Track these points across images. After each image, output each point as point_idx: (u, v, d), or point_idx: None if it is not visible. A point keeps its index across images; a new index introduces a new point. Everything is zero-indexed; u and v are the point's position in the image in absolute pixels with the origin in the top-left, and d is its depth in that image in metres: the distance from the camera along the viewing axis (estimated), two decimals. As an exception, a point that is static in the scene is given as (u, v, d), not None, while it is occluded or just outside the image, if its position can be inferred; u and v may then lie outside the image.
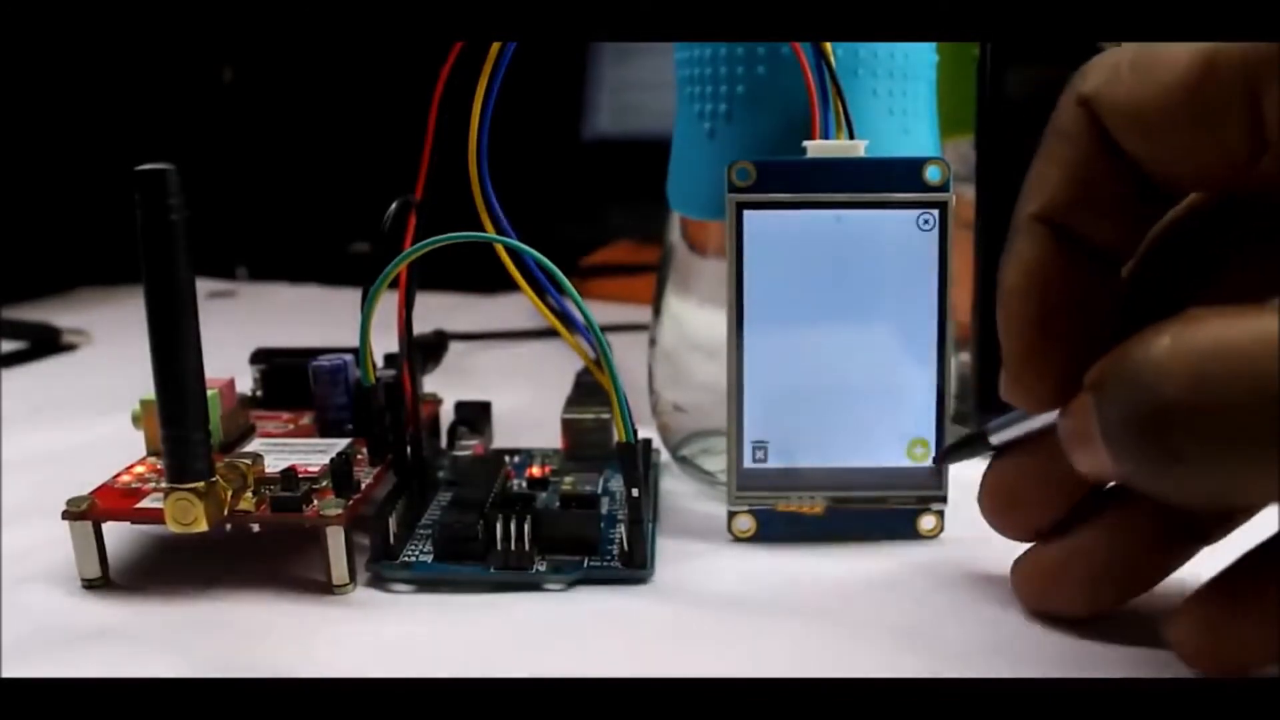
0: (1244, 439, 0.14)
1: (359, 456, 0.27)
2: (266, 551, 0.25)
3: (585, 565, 0.24)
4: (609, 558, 0.24)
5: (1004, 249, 0.19)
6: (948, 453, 0.24)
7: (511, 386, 0.41)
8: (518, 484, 0.29)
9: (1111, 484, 0.20)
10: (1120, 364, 0.15)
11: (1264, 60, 0.15)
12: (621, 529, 0.25)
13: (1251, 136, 0.16)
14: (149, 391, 0.23)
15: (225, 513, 0.23)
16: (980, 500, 0.22)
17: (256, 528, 0.24)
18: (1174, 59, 0.16)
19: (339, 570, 0.24)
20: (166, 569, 0.25)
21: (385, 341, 0.27)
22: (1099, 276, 0.18)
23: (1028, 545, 0.22)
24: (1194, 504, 0.16)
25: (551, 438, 0.32)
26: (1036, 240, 0.18)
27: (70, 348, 0.53)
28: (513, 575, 0.24)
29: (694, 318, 0.31)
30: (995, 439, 0.22)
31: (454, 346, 0.46)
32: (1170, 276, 0.19)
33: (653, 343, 0.32)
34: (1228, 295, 0.15)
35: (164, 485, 0.22)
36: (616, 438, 0.24)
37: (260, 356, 0.32)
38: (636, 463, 0.24)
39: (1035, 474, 0.21)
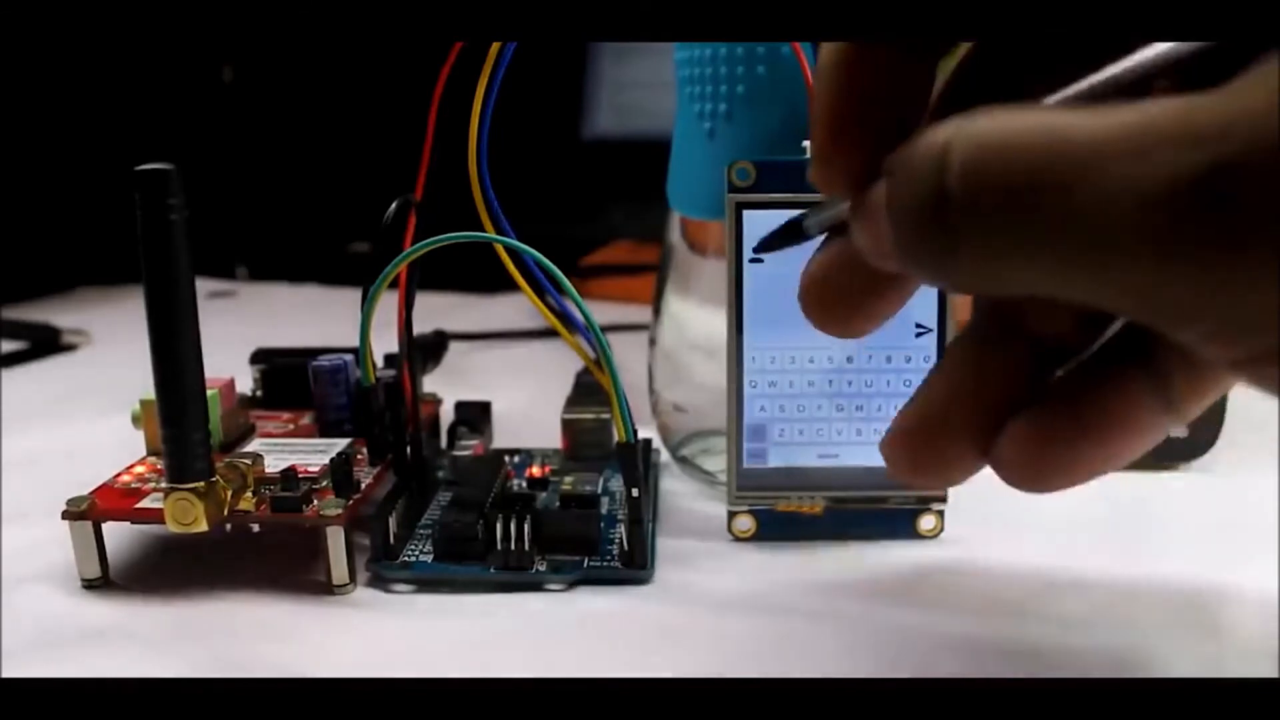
0: (1009, 229, 0.14)
1: (359, 456, 0.27)
2: (266, 551, 0.25)
3: (585, 565, 0.24)
4: (609, 558, 0.24)
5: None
6: (765, 242, 0.23)
7: (511, 386, 0.41)
8: (518, 484, 0.29)
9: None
10: (907, 151, 0.15)
11: None
12: (621, 529, 0.25)
13: None
14: (149, 391, 0.23)
15: (225, 513, 0.23)
16: (798, 292, 0.21)
17: (256, 528, 0.24)
18: None
19: (339, 570, 0.24)
20: (166, 569, 0.25)
21: (385, 341, 0.27)
22: (911, 67, 0.18)
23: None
24: (960, 290, 0.16)
25: (551, 438, 0.32)
26: None
27: (70, 348, 0.53)
28: (513, 575, 0.24)
29: (694, 318, 0.31)
30: (810, 224, 0.21)
31: (454, 346, 0.46)
32: (1001, 70, 0.19)
33: (653, 343, 0.32)
34: (1042, 94, 0.15)
35: (164, 485, 0.22)
36: (616, 438, 0.24)
37: (260, 356, 0.32)
38: (636, 463, 0.24)
39: (848, 262, 0.20)
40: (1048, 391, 0.19)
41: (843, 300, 0.20)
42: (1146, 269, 0.13)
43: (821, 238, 0.20)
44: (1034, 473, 0.19)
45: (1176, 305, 0.13)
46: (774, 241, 0.22)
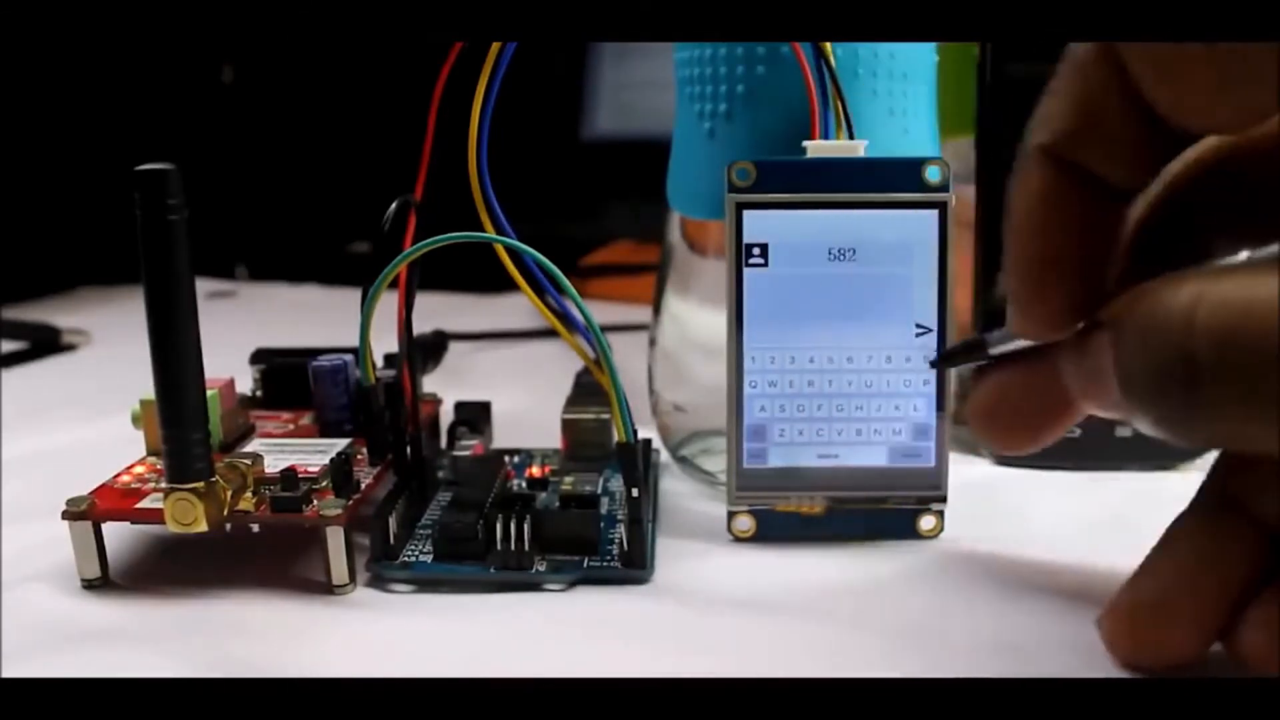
0: (1265, 399, 0.14)
1: (359, 456, 0.27)
2: (266, 551, 0.25)
3: (585, 565, 0.24)
4: (609, 558, 0.24)
5: (1013, 177, 0.19)
6: (947, 356, 0.24)
7: (511, 386, 0.41)
8: (518, 484, 0.29)
9: (1188, 512, 0.20)
10: (1145, 306, 0.16)
11: None
12: (621, 529, 0.25)
13: (1276, 87, 0.15)
14: (149, 391, 0.23)
15: (225, 513, 0.23)
16: (970, 408, 0.22)
17: (256, 528, 0.24)
18: None
19: (339, 570, 0.24)
20: (166, 569, 0.25)
21: (385, 341, 0.27)
22: (1106, 211, 0.18)
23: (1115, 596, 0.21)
24: (1207, 447, 0.16)
25: (551, 438, 0.32)
26: (1045, 172, 0.18)
27: (70, 348, 0.53)
28: (513, 575, 0.24)
29: (694, 318, 0.31)
30: (995, 349, 0.22)
31: (454, 346, 0.46)
32: (1190, 219, 0.19)
33: (653, 343, 0.32)
34: (1240, 243, 0.15)
35: (164, 485, 0.22)
36: (616, 438, 0.24)
37: (260, 356, 0.32)
38: (636, 463, 0.24)
39: (1027, 388, 0.21)
40: (1278, 573, 0.18)
41: (1018, 423, 0.21)
42: None
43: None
44: (1275, 659, 0.18)
45: None
46: (955, 359, 0.24)
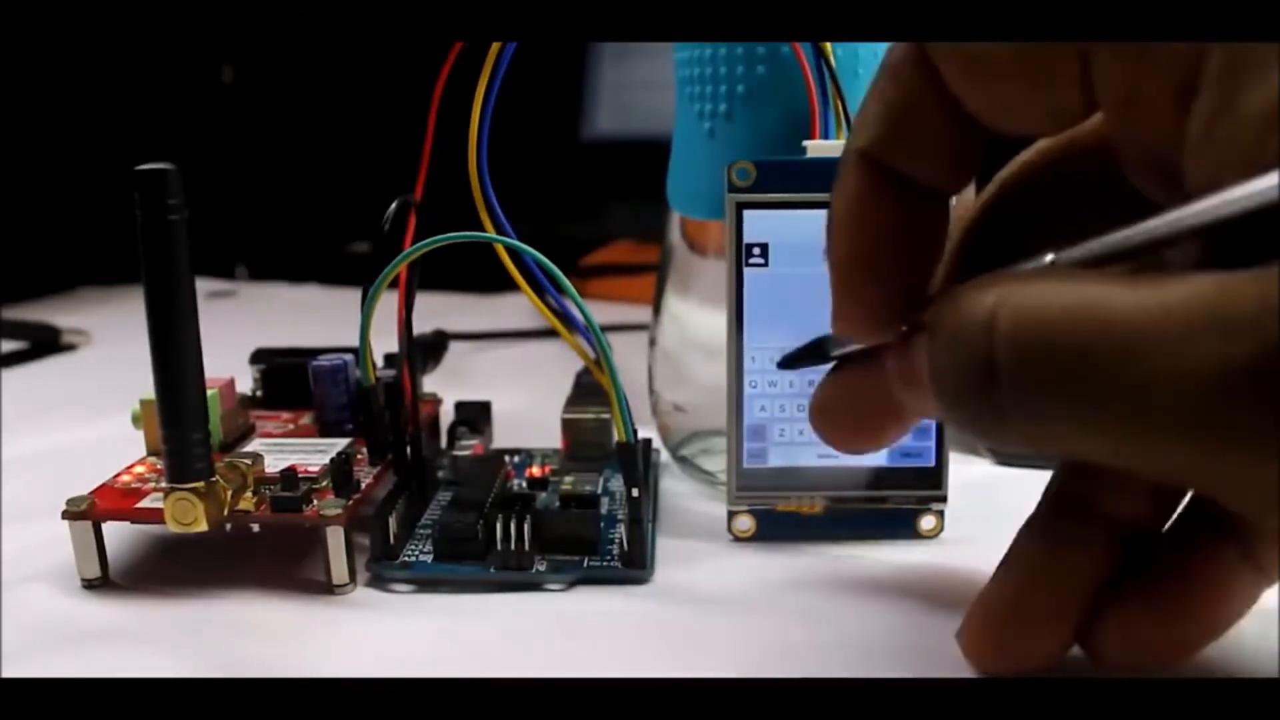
0: (1055, 400, 0.14)
1: (359, 456, 0.27)
2: (266, 551, 0.25)
3: (585, 565, 0.24)
4: (609, 558, 0.24)
5: (834, 180, 0.19)
6: (788, 360, 0.24)
7: (511, 386, 0.41)
8: (518, 484, 0.29)
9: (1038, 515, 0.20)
10: (949, 311, 0.16)
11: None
12: (621, 529, 0.25)
13: (1083, 94, 0.16)
14: (149, 391, 0.23)
15: (225, 513, 0.23)
16: (810, 407, 0.22)
17: (256, 528, 0.24)
18: None
19: (339, 570, 0.24)
20: (166, 569, 0.25)
21: (385, 341, 0.27)
22: (922, 213, 0.18)
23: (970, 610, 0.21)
24: (1003, 450, 0.16)
25: (551, 438, 0.32)
26: (859, 175, 0.18)
27: (70, 348, 0.53)
28: (513, 575, 0.24)
29: (694, 318, 0.31)
30: (835, 351, 0.22)
31: (454, 346, 0.46)
32: (1015, 220, 0.19)
33: (653, 343, 0.32)
34: (1060, 247, 0.15)
35: (164, 485, 0.22)
36: (616, 438, 0.24)
37: (260, 356, 0.32)
38: (636, 463, 0.24)
39: (862, 389, 0.21)
40: (1134, 573, 0.19)
41: (855, 423, 0.21)
42: (1199, 449, 0.13)
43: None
44: (1138, 660, 0.19)
45: (1231, 481, 0.13)
46: (797, 360, 0.23)
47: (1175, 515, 0.19)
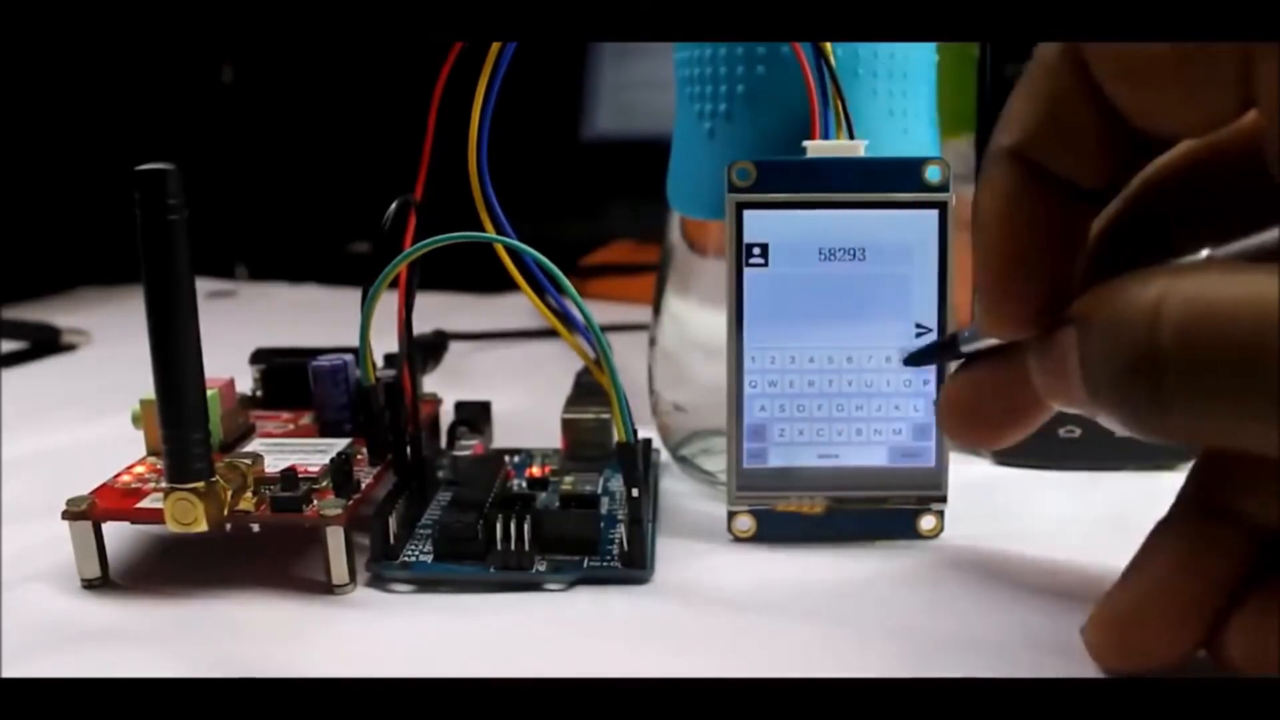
0: (1229, 393, 0.14)
1: (359, 456, 0.27)
2: (266, 551, 0.25)
3: (585, 565, 0.24)
4: (609, 558, 0.24)
5: (980, 177, 0.19)
6: (915, 356, 0.24)
7: (511, 386, 0.41)
8: (518, 484, 0.29)
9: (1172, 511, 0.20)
10: (1110, 303, 0.16)
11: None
12: (621, 529, 0.25)
13: (1238, 93, 0.16)
14: (149, 391, 0.23)
15: (225, 513, 0.23)
16: (938, 408, 0.22)
17: (256, 528, 0.24)
18: None
19: (339, 570, 0.24)
20: (166, 569, 0.25)
21: (385, 341, 0.27)
22: (1073, 212, 0.18)
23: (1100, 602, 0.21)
24: (1163, 441, 0.16)
25: (551, 438, 0.32)
26: (1010, 173, 0.18)
27: (70, 348, 0.53)
28: (513, 575, 0.24)
29: (694, 318, 0.31)
30: (966, 347, 0.22)
31: (454, 346, 0.46)
32: (1157, 220, 0.19)
33: (653, 343, 0.32)
34: (1210, 244, 0.15)
35: (164, 485, 0.22)
36: (616, 438, 0.24)
37: (260, 356, 0.32)
38: (636, 463, 0.24)
39: (997, 385, 0.21)
40: (1262, 577, 0.19)
41: (984, 420, 0.21)
42: None
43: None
44: (1261, 665, 0.18)
45: None
46: (925, 357, 0.24)
47: None
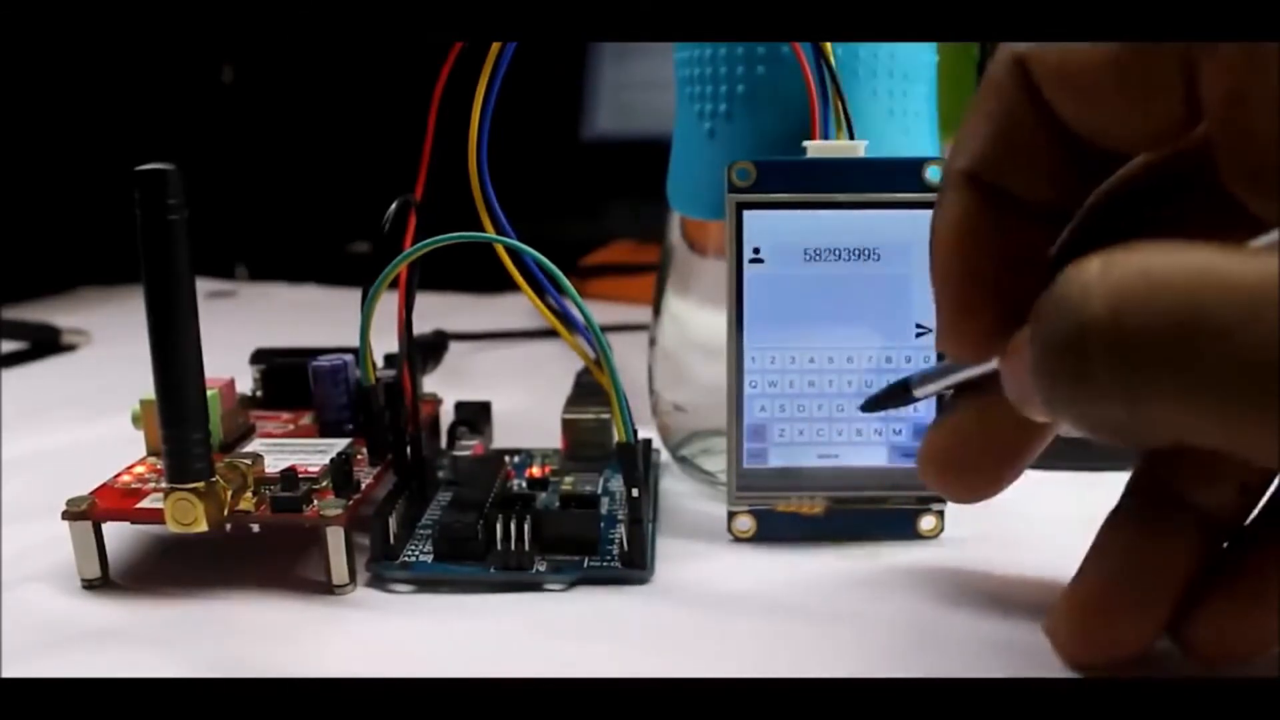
0: (1155, 369, 0.13)
1: (359, 456, 0.27)
2: (266, 551, 0.25)
3: (585, 565, 0.24)
4: (609, 558, 0.24)
5: (936, 201, 0.18)
6: (871, 402, 0.24)
7: (511, 386, 0.41)
8: (518, 484, 0.29)
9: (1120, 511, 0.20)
10: (1052, 288, 0.15)
11: None
12: (621, 529, 0.25)
13: (1186, 106, 0.15)
14: (149, 391, 0.23)
15: (225, 513, 0.23)
16: (919, 461, 0.21)
17: (256, 528, 0.24)
18: None
19: (339, 570, 0.24)
20: (166, 569, 0.25)
21: (385, 341, 0.27)
22: (1029, 231, 0.18)
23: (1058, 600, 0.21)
24: (1099, 434, 0.15)
25: (551, 438, 0.32)
26: (964, 196, 0.18)
27: (70, 348, 0.53)
28: (513, 575, 0.24)
29: (694, 318, 0.31)
30: (919, 391, 0.22)
31: (454, 346, 0.46)
32: (1117, 236, 0.19)
33: (653, 343, 0.32)
34: None
35: (164, 485, 0.22)
36: (616, 438, 0.24)
37: (260, 356, 0.32)
38: (636, 463, 0.24)
39: (976, 434, 0.20)
40: (1223, 565, 0.19)
41: (969, 467, 0.21)
42: None
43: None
44: (1228, 652, 0.19)
45: None
46: (881, 402, 0.23)
47: (1260, 506, 0.19)
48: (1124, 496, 0.20)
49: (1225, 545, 0.19)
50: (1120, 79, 0.16)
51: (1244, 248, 0.13)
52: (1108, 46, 0.16)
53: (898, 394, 0.23)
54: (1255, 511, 0.19)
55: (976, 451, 0.20)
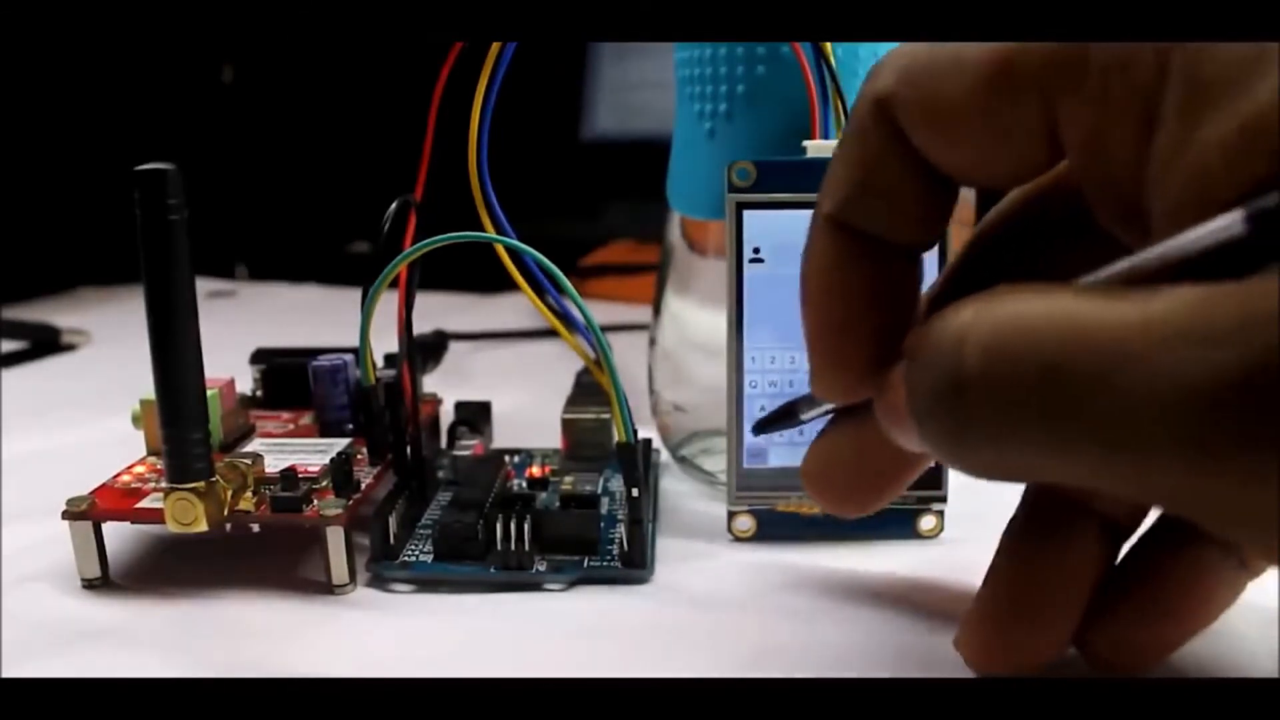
0: (1026, 418, 0.13)
1: (359, 456, 0.27)
2: (266, 551, 0.25)
3: (585, 565, 0.24)
4: (609, 558, 0.24)
5: (804, 246, 0.18)
6: (760, 424, 0.24)
7: (511, 386, 0.41)
8: (518, 484, 0.29)
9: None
10: (927, 332, 0.15)
11: (1061, 65, 0.15)
12: (621, 529, 0.25)
13: (1048, 143, 0.15)
14: (149, 391, 0.23)
15: (225, 513, 0.23)
16: (803, 478, 0.21)
17: (256, 528, 0.24)
18: (969, 60, 0.16)
19: (339, 570, 0.24)
20: (166, 569, 0.25)
21: (385, 341, 0.27)
22: (897, 268, 0.18)
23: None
24: (974, 475, 0.15)
25: (551, 438, 0.32)
26: (830, 240, 0.18)
27: (70, 348, 0.53)
28: (513, 575, 0.24)
29: (694, 318, 0.31)
30: (804, 415, 0.22)
31: (454, 346, 0.46)
32: (994, 271, 0.18)
33: (653, 343, 0.32)
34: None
35: (164, 485, 0.22)
36: (616, 438, 0.24)
37: (260, 356, 0.32)
38: (636, 463, 0.24)
39: (854, 452, 0.20)
40: (1122, 572, 0.19)
41: (849, 483, 0.21)
42: (1181, 467, 0.12)
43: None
44: (1129, 660, 0.19)
45: (1214, 506, 0.12)
46: (770, 425, 0.23)
47: (1158, 513, 0.19)
48: (1021, 505, 0.20)
49: (1122, 554, 0.19)
50: (982, 119, 0.16)
51: (1112, 290, 0.13)
52: (963, 82, 0.16)
53: (785, 415, 0.23)
54: (1148, 519, 0.19)
55: (852, 473, 0.20)
